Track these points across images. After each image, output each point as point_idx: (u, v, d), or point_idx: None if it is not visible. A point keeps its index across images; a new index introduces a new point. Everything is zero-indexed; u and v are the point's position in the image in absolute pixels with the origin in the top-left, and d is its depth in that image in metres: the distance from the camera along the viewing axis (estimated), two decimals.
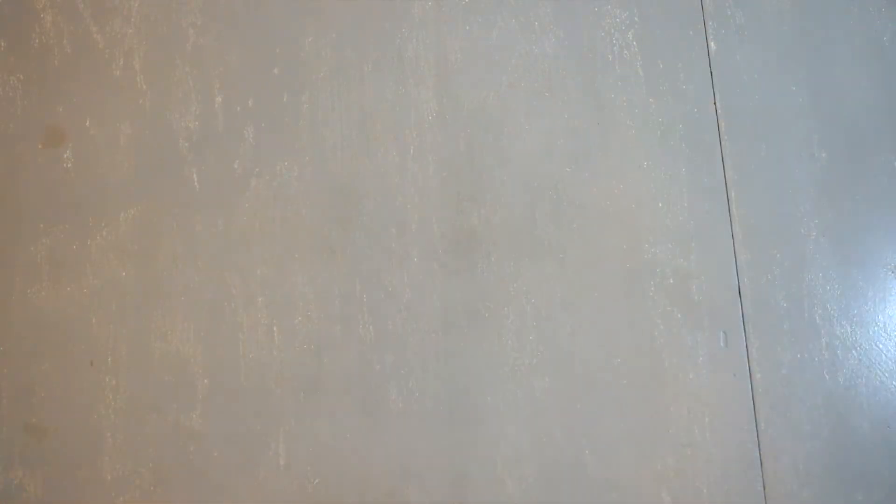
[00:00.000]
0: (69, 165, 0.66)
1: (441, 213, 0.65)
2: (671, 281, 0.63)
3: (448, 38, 0.69)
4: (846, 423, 0.60)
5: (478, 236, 0.64)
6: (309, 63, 0.68)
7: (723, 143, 0.67)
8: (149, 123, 0.67)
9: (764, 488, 0.59)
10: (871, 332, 0.62)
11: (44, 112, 0.67)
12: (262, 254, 0.64)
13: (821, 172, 0.66)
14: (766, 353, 0.61)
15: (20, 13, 0.69)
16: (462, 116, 0.67)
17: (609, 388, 0.61)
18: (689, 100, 0.68)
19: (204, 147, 0.66)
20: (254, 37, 0.69)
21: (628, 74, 0.69)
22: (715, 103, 0.68)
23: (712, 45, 0.70)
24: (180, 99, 0.67)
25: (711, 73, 0.69)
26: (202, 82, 0.68)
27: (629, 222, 0.65)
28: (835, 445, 0.59)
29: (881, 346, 0.62)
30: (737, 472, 0.59)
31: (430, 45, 0.69)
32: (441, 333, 0.62)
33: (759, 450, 0.59)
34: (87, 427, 0.59)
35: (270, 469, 0.59)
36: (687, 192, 0.66)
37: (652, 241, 0.65)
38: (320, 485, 0.58)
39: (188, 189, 0.65)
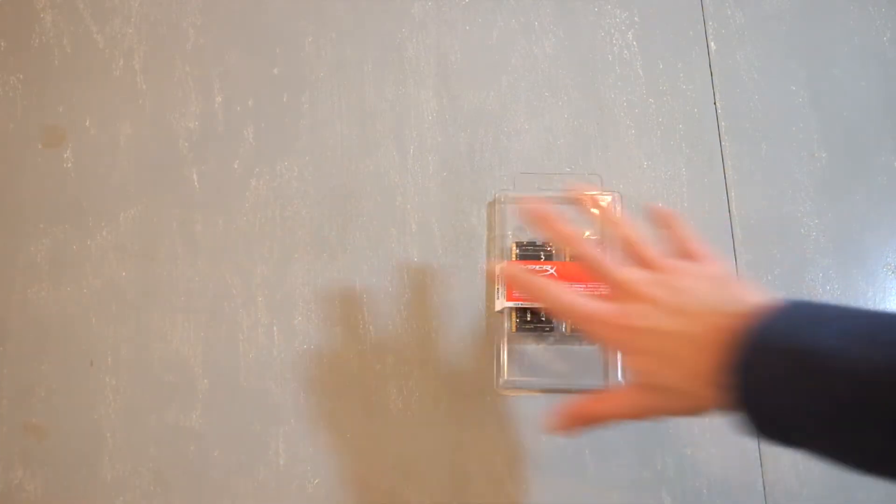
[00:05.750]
0: (69, 165, 0.66)
1: (441, 213, 0.65)
2: None
3: (448, 38, 0.69)
4: None
5: (478, 236, 0.64)
6: (309, 63, 0.68)
7: (723, 143, 0.67)
8: (149, 123, 0.67)
9: (764, 488, 0.59)
10: None
11: (44, 112, 0.67)
12: (262, 254, 0.64)
13: (821, 172, 0.66)
14: None
15: (20, 13, 0.69)
16: (462, 116, 0.67)
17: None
18: (689, 100, 0.68)
19: (204, 147, 0.66)
20: (254, 37, 0.69)
21: (628, 74, 0.69)
22: (715, 103, 0.68)
23: (712, 45, 0.70)
24: (180, 99, 0.67)
25: (711, 73, 0.69)
26: (202, 82, 0.68)
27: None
28: None
29: None
30: (737, 472, 0.59)
31: (430, 45, 0.69)
32: (441, 334, 0.62)
33: (759, 450, 0.59)
34: (87, 427, 0.59)
35: (270, 469, 0.59)
36: (687, 193, 0.66)
37: (652, 241, 0.64)
38: (320, 485, 0.58)
39: (188, 189, 0.65)
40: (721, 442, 0.60)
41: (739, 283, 0.45)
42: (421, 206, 0.65)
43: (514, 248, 0.61)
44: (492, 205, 0.64)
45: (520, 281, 0.51)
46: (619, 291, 0.46)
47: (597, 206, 0.58)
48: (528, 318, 0.59)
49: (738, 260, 0.64)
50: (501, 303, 0.58)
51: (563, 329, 0.59)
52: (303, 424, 0.60)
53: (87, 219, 0.64)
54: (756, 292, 0.43)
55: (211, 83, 0.68)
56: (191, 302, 0.62)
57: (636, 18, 0.70)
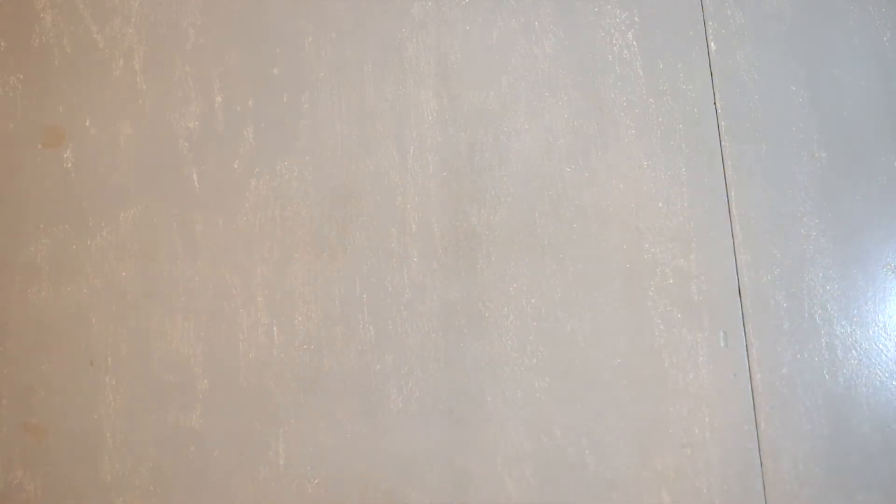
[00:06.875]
0: (69, 165, 0.66)
1: (441, 213, 0.65)
2: (671, 281, 0.63)
3: (448, 38, 0.69)
4: (846, 423, 0.60)
5: (478, 236, 0.64)
6: (309, 63, 0.68)
7: (723, 143, 0.67)
8: (149, 123, 0.67)
9: (764, 488, 0.59)
10: (871, 332, 0.63)
11: (44, 112, 0.67)
12: (262, 254, 0.64)
13: (821, 172, 0.67)
14: (766, 353, 0.61)
15: (20, 13, 0.69)
16: (462, 116, 0.67)
17: (609, 388, 0.61)
18: (689, 100, 0.68)
19: (204, 147, 0.66)
20: (254, 37, 0.69)
21: (628, 74, 0.69)
22: (715, 103, 0.68)
23: (712, 45, 0.70)
24: (180, 99, 0.67)
25: (711, 73, 0.69)
26: (202, 82, 0.68)
27: (629, 222, 0.65)
28: (835, 445, 0.59)
29: (881, 346, 0.62)
30: (737, 472, 0.59)
31: (430, 45, 0.69)
32: (441, 333, 0.62)
33: (759, 450, 0.59)
34: (87, 427, 0.59)
35: (270, 469, 0.59)
36: (687, 192, 0.66)
37: (652, 241, 0.65)
38: (320, 485, 0.58)
39: (188, 189, 0.65)
40: (721, 442, 0.60)
41: None
42: (421, 206, 0.65)
43: None
44: None
45: None
46: None
47: None
48: None
49: (738, 260, 0.64)
50: None
51: None
52: (303, 424, 0.60)
53: (87, 219, 0.64)
54: None
55: (211, 83, 0.68)
56: (191, 302, 0.62)
57: (636, 18, 0.70)
